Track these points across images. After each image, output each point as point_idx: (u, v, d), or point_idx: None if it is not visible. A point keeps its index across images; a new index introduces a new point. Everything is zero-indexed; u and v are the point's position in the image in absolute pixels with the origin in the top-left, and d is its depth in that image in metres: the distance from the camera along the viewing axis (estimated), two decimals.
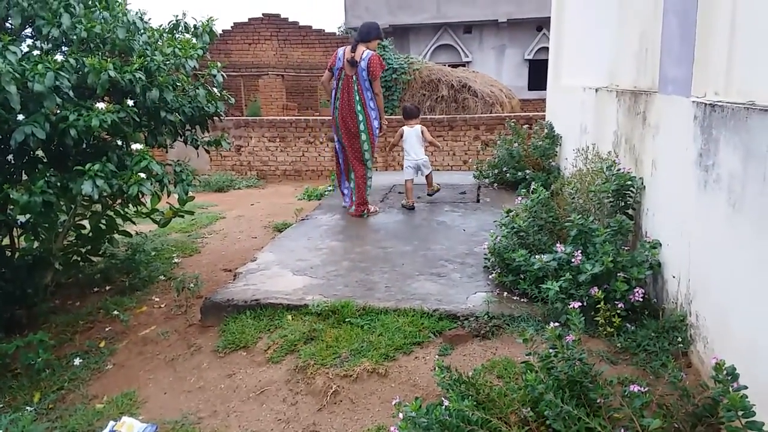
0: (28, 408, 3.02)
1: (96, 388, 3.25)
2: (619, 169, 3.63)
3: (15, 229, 4.21)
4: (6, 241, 4.19)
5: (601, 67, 5.00)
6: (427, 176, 6.34)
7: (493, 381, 2.64)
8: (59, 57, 3.38)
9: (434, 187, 6.49)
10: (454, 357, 3.04)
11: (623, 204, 3.61)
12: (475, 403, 2.21)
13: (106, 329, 3.94)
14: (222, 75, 4.50)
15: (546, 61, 8.76)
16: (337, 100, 5.61)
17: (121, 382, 3.27)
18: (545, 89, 8.62)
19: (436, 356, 3.04)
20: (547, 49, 9.90)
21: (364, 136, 5.61)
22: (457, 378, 2.33)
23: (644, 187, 3.51)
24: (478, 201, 6.47)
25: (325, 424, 2.67)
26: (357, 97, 5.49)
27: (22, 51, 3.40)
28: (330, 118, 6.01)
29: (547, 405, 2.06)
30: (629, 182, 3.55)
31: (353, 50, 5.46)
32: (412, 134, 6.14)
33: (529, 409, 2.18)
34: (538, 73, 18.27)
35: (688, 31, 2.93)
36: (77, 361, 3.47)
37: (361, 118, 5.54)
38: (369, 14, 18.98)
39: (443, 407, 2.12)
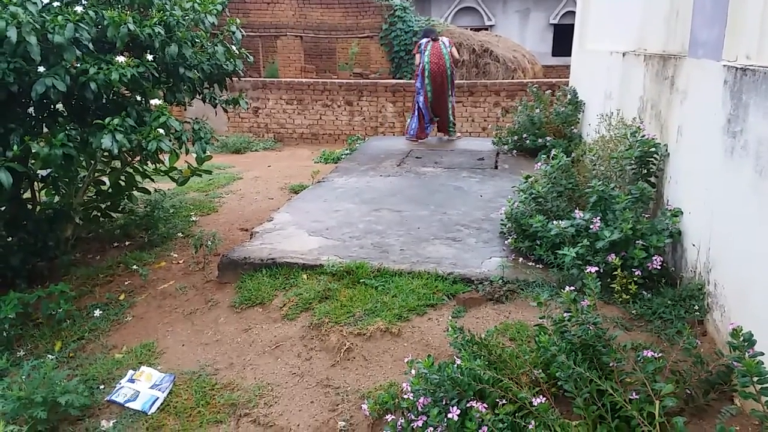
0: (49, 356, 3.11)
1: (115, 338, 3.33)
2: (643, 136, 3.54)
3: (36, 182, 4.26)
4: (27, 194, 4.25)
5: (629, 31, 4.85)
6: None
7: (505, 343, 2.65)
8: (79, 9, 3.35)
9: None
10: (467, 319, 3.05)
11: (646, 171, 3.54)
12: (486, 363, 2.23)
13: (126, 283, 4.01)
14: (241, 31, 4.44)
15: (571, 26, 8.51)
16: (426, 57, 7.63)
17: (140, 334, 3.34)
18: (569, 55, 8.39)
19: (450, 318, 3.06)
20: (573, 13, 9.61)
21: (449, 78, 7.70)
22: (469, 339, 2.34)
23: (668, 154, 3.43)
24: (496, 167, 6.41)
25: (338, 379, 2.72)
26: (445, 54, 7.62)
27: (42, 2, 3.38)
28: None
29: (559, 367, 2.07)
30: (653, 149, 3.47)
31: (435, 40, 7.76)
32: None
33: (540, 370, 2.19)
34: (562, 38, 17.80)
35: None
36: (97, 313, 3.55)
37: (448, 64, 7.63)
38: None
39: (455, 365, 2.14)
